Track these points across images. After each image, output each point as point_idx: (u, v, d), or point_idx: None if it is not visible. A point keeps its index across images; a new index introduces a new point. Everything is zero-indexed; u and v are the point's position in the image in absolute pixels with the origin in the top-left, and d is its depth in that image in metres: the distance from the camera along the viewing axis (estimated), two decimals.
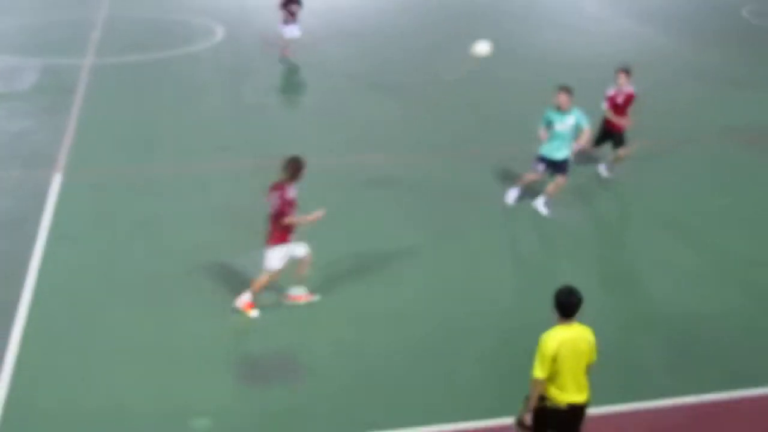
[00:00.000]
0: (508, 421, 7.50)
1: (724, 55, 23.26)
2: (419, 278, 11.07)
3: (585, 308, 6.79)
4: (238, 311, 10.02)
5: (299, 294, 10.37)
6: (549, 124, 12.38)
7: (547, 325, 6.86)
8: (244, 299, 10.07)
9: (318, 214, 9.88)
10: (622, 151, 13.73)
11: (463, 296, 10.63)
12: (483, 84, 19.51)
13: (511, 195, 12.96)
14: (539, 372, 6.76)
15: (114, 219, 12.60)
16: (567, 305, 6.76)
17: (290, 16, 20.37)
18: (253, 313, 10.06)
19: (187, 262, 11.24)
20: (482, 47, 13.50)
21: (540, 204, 12.75)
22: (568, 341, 6.73)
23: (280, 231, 9.81)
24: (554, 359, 6.71)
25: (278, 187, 9.73)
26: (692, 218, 13.03)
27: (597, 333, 6.97)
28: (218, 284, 10.72)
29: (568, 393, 6.85)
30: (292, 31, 20.59)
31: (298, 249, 10.03)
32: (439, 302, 10.48)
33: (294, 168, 9.76)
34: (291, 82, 20.05)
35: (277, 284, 10.27)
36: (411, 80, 20.24)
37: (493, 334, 9.78)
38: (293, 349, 9.47)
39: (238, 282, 10.67)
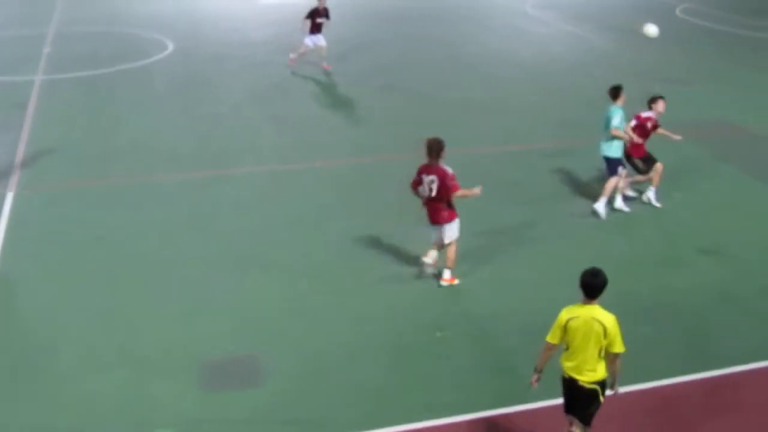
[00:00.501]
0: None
1: (662, 53, 24.00)
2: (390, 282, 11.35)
3: None
4: (445, 286, 10.94)
5: (451, 276, 11.05)
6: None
7: None
8: (447, 277, 10.98)
9: (477, 190, 10.61)
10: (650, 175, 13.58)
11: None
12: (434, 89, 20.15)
13: (620, 203, 13.23)
14: (549, 336, 7.20)
15: (70, 232, 12.66)
16: (588, 286, 6.99)
17: (315, 28, 20.80)
18: (458, 281, 11.02)
19: (148, 272, 11.43)
20: (652, 29, 14.77)
21: (620, 202, 13.22)
22: (579, 317, 7.00)
23: (452, 206, 10.65)
24: (565, 330, 7.07)
25: (435, 169, 10.47)
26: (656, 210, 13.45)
27: None
28: (180, 293, 10.92)
29: (571, 366, 7.18)
30: (315, 41, 20.97)
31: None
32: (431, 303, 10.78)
33: (439, 148, 10.49)
34: (245, 91, 20.24)
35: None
36: (366, 87, 20.67)
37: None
38: (256, 353, 9.59)
39: (200, 290, 10.91)
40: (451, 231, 10.78)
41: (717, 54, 24.28)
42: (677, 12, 30.36)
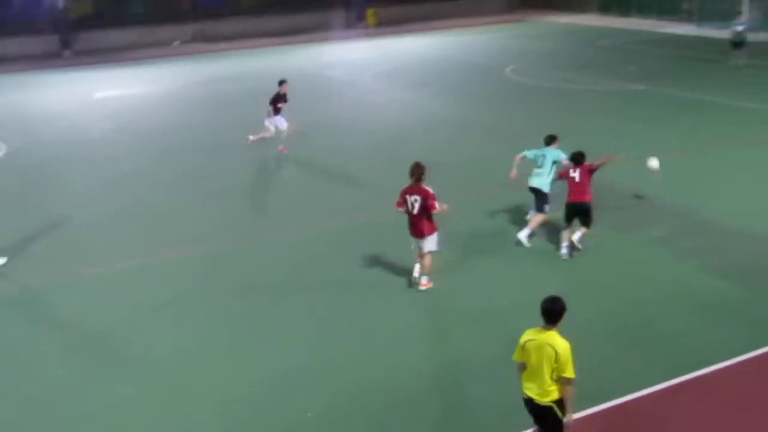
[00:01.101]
0: None
1: (497, 112, 25.22)
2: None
3: None
4: (423, 290, 12.52)
5: (427, 282, 12.62)
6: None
7: None
8: (425, 283, 12.56)
9: (446, 207, 12.21)
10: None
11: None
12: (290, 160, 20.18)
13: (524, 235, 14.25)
14: (514, 355, 7.72)
15: None
16: (547, 312, 7.45)
17: (276, 112, 20.87)
18: (432, 284, 12.60)
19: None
20: (654, 163, 15.87)
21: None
22: (535, 340, 7.46)
23: (431, 221, 12.26)
24: (523, 350, 7.56)
25: (418, 189, 12.10)
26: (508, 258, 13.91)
27: None
28: (25, 412, 10.35)
29: (526, 384, 7.66)
30: (277, 123, 20.99)
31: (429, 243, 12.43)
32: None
33: (420, 172, 12.14)
34: (86, 188, 19.62)
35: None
36: (204, 166, 20.52)
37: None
38: None
39: (49, 408, 10.37)
40: (431, 243, 12.34)
41: (545, 107, 25.65)
42: (507, 72, 32.01)
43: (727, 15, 41.56)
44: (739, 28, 31.20)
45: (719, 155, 19.32)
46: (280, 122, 21.09)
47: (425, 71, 33.68)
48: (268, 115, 20.97)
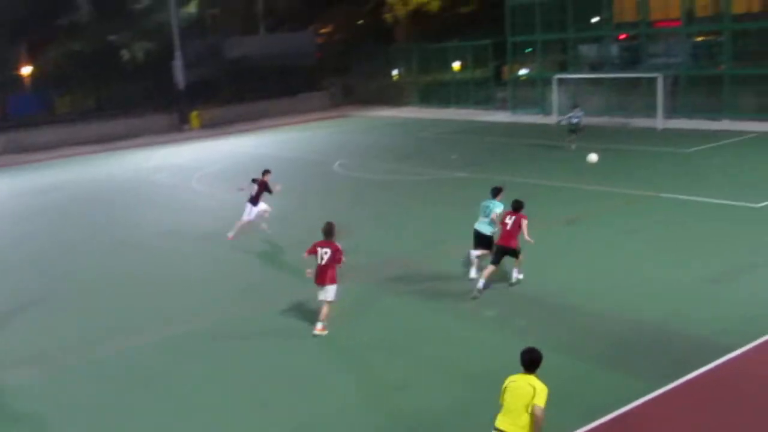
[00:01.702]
0: None
1: (326, 206, 25.21)
2: None
3: None
4: (318, 335, 14.10)
5: (322, 328, 14.21)
6: None
7: None
8: (320, 327, 14.17)
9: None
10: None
11: None
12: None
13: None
14: (500, 399, 8.69)
15: None
16: (525, 361, 8.63)
17: (255, 199, 21.63)
18: (326, 331, 14.22)
19: None
20: (593, 157, 23.02)
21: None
22: (516, 381, 8.59)
23: (335, 273, 14.05)
24: (505, 391, 8.62)
25: (329, 244, 14.06)
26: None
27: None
28: None
29: (500, 419, 8.61)
30: (256, 210, 21.71)
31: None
32: None
33: (332, 231, 14.22)
34: None
35: None
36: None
37: None
38: None
39: None
40: (332, 292, 14.09)
41: (374, 199, 26.04)
42: (335, 167, 32.34)
43: (538, 102, 44.48)
44: (575, 120, 32.50)
45: (547, 235, 19.94)
46: (261, 206, 21.71)
47: (253, 171, 33.27)
48: (249, 203, 21.55)
